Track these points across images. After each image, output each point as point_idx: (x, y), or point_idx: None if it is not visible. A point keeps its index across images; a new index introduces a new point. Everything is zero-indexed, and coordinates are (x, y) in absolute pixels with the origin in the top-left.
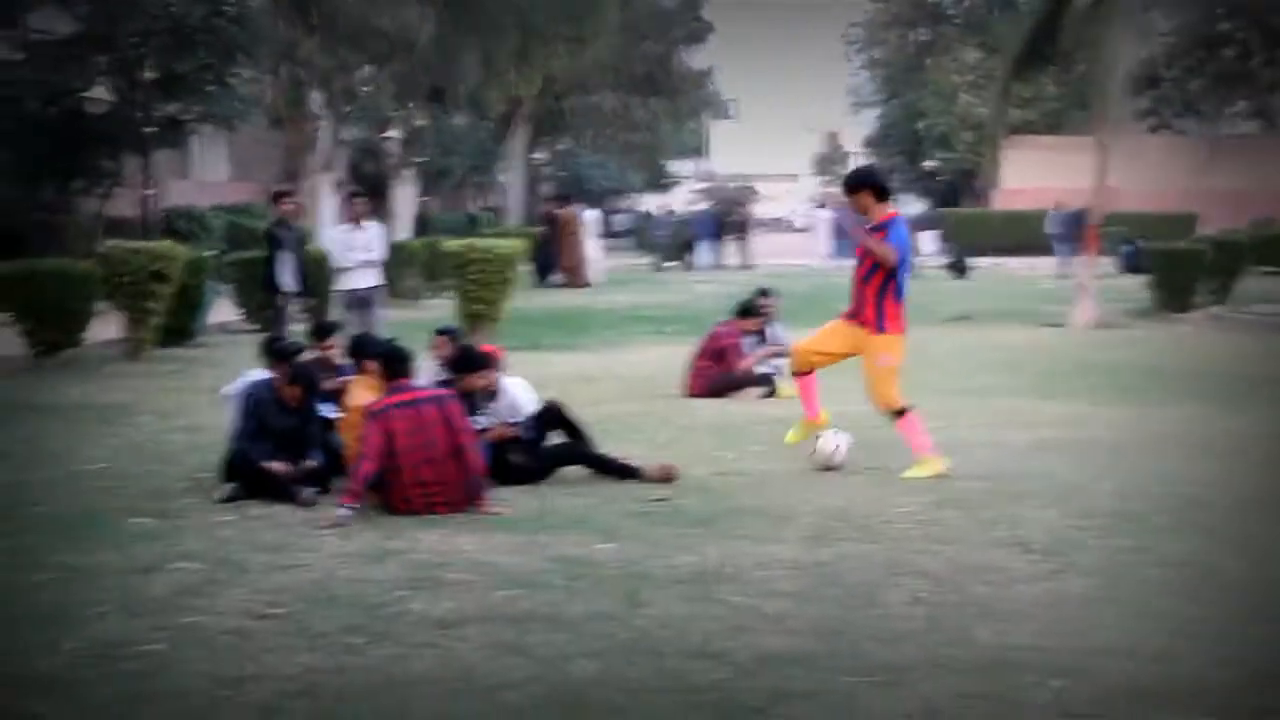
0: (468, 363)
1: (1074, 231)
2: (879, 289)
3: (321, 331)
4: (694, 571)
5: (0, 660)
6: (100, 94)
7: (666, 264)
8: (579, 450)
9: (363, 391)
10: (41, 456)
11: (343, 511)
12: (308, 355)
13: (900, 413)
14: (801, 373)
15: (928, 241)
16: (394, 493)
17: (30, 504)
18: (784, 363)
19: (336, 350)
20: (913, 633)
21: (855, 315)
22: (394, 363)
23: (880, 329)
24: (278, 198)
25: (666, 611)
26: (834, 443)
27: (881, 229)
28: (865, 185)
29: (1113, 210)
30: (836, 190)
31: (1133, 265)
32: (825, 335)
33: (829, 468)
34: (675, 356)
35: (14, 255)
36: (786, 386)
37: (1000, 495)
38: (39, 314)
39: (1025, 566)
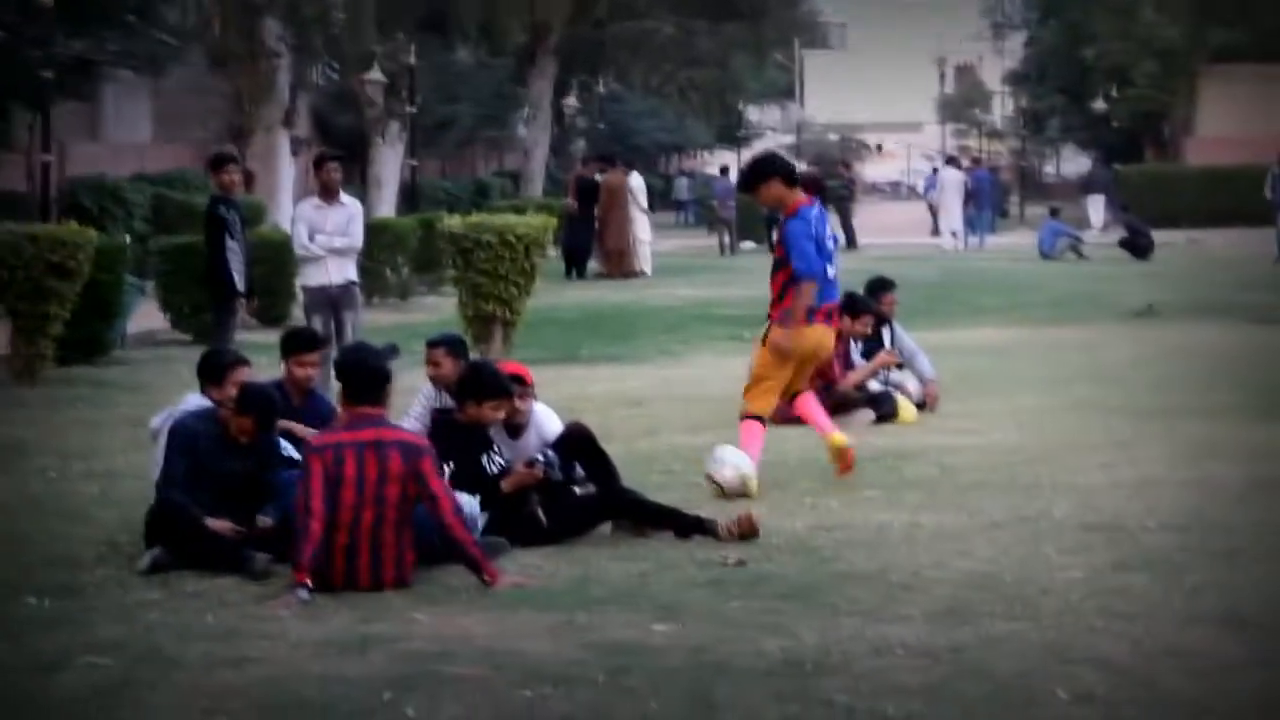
0: (479, 387)
1: None
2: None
3: (297, 342)
4: (786, 660)
5: None
6: None
7: (743, 245)
8: (628, 498)
9: None
10: None
11: (301, 594)
12: (268, 375)
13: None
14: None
15: (1096, 209)
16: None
17: None
18: (905, 376)
19: (314, 371)
20: None
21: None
22: (359, 381)
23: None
24: (217, 165)
25: (750, 715)
26: (730, 466)
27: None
28: (770, 174)
29: None
30: (972, 143)
31: None
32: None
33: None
34: None
35: None
36: (909, 408)
37: (1202, 553)
38: None
39: (1238, 650)
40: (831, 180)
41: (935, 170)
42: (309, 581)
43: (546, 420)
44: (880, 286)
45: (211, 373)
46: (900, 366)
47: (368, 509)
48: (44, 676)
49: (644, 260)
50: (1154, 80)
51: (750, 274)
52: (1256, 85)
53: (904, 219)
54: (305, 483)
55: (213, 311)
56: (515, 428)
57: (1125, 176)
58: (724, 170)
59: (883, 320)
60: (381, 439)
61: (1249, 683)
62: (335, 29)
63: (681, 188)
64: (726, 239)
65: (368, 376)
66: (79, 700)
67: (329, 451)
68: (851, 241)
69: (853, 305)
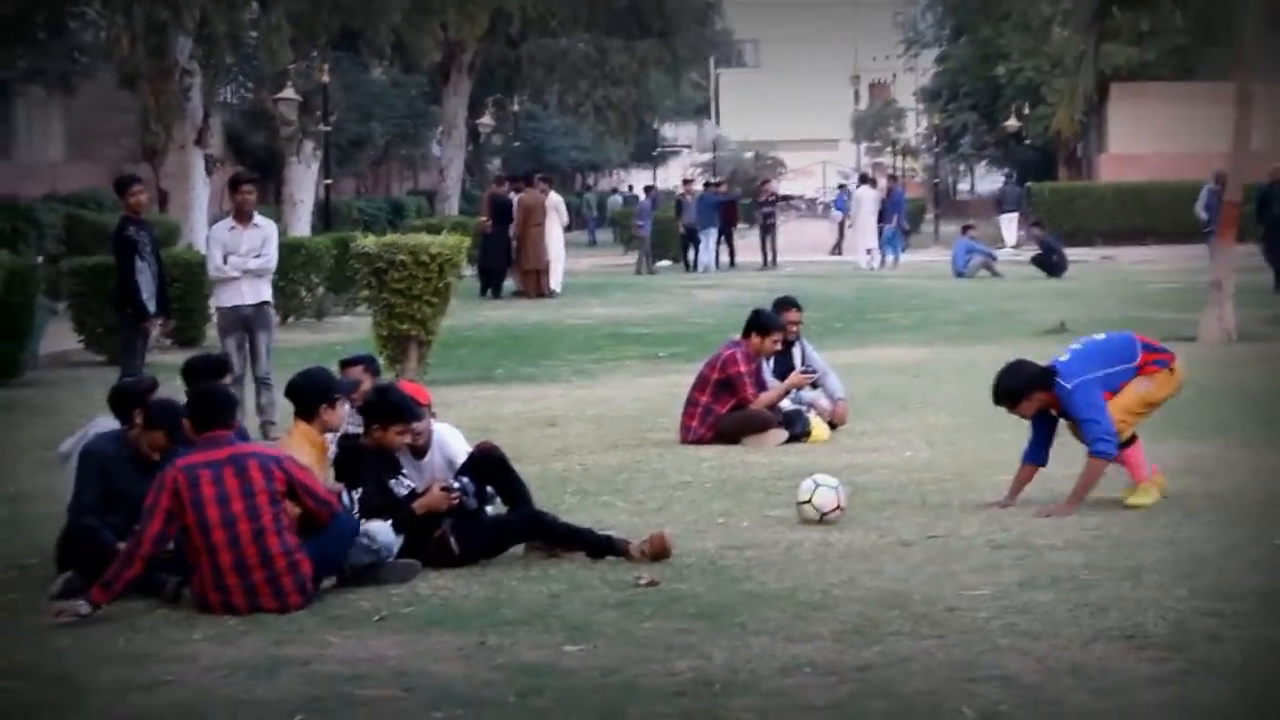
0: (385, 411)
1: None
2: None
3: (203, 371)
4: (696, 680)
5: None
6: None
7: (659, 264)
8: (539, 519)
9: (301, 445)
10: None
11: (82, 606)
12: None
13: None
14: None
15: (1009, 227)
16: (204, 584)
17: None
18: (816, 395)
19: None
20: None
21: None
22: (206, 409)
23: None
24: (123, 186)
25: None
26: (832, 498)
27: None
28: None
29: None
30: (887, 160)
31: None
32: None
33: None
34: (670, 390)
35: None
36: (821, 427)
37: (1106, 570)
38: None
39: (1141, 666)
40: (749, 199)
41: (842, 188)
42: (103, 603)
43: (450, 439)
44: (783, 305)
45: (124, 398)
46: (814, 386)
47: (242, 522)
48: None
49: (556, 279)
50: (1064, 98)
51: (663, 293)
52: (1166, 103)
53: (819, 237)
54: (148, 505)
55: (121, 334)
56: (418, 449)
57: (1038, 194)
58: (647, 189)
59: (790, 339)
60: (236, 454)
61: (1151, 700)
62: (248, 47)
63: (615, 204)
64: (644, 258)
65: (218, 403)
66: None
67: (182, 474)
68: (771, 261)
69: (762, 323)
